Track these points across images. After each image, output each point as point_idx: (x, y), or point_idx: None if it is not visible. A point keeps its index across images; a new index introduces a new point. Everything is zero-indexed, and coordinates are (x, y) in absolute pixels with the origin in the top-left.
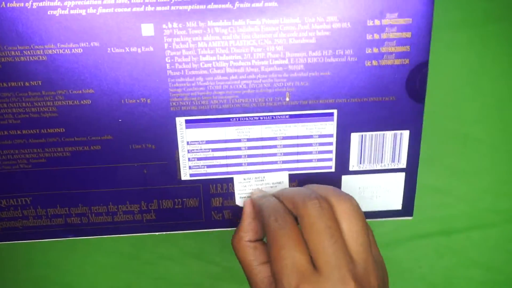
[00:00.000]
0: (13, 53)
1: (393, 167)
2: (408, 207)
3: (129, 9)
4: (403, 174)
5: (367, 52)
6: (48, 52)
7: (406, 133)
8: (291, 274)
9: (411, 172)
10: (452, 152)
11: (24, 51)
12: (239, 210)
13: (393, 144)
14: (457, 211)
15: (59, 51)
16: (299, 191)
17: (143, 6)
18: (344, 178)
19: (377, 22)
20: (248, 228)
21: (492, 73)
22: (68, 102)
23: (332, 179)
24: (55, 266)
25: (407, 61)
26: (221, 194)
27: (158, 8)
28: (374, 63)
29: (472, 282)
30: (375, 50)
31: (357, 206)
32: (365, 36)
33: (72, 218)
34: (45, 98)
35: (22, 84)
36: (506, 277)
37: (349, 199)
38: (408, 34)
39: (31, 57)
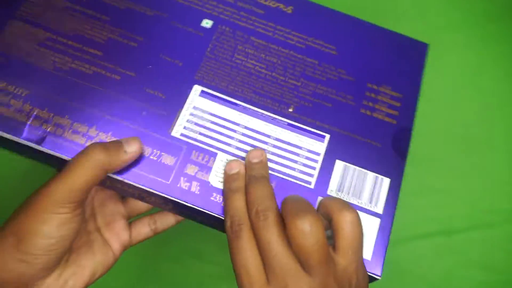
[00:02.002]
0: None
1: (369, 208)
2: (376, 261)
3: (199, 8)
4: (378, 220)
5: (363, 103)
6: (128, 5)
7: (386, 181)
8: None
9: (386, 221)
10: (452, 152)
11: None
12: (207, 189)
13: (373, 185)
14: (457, 211)
15: (138, 8)
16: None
17: (211, 10)
18: (320, 199)
19: (375, 86)
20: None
21: (492, 73)
22: (119, 38)
23: (308, 196)
24: None
25: (394, 121)
26: (199, 164)
27: (222, 16)
28: (368, 112)
29: (472, 282)
30: (370, 104)
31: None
32: (364, 92)
33: (49, 125)
34: (104, 29)
35: (94, 14)
36: (506, 277)
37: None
38: (397, 103)
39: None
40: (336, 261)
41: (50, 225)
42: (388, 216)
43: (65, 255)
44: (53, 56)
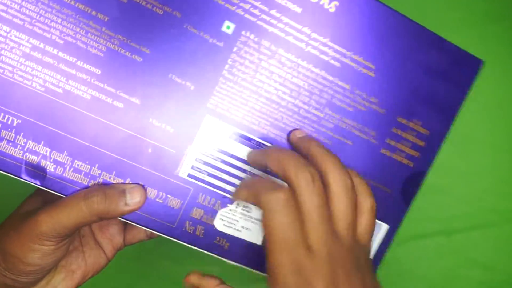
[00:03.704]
0: None
1: None
2: None
3: (222, 2)
4: None
5: (386, 141)
6: None
7: (384, 227)
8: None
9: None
10: (452, 152)
11: None
12: (211, 233)
13: None
14: (457, 211)
15: (144, 2)
16: (292, 157)
17: (235, 6)
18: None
19: (404, 121)
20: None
21: (492, 73)
22: (121, 50)
23: None
24: None
25: (411, 164)
26: (205, 207)
27: (247, 15)
28: (388, 153)
29: (472, 282)
30: (393, 143)
31: (351, 188)
32: (392, 127)
33: (47, 162)
34: (102, 35)
35: (89, 11)
36: (506, 277)
37: (344, 180)
38: (422, 143)
39: None
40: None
41: (33, 255)
42: (375, 262)
43: (50, 271)
44: (43, 73)
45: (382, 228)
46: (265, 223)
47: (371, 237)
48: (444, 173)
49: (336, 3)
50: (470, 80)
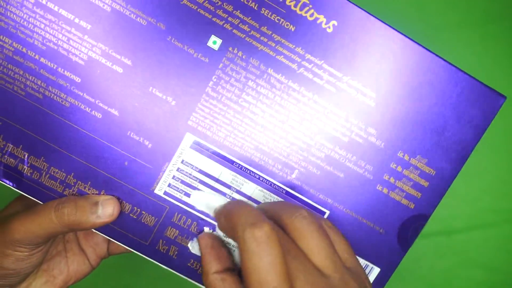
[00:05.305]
0: None
1: None
2: None
3: (210, 16)
4: None
5: (384, 177)
6: (116, 6)
7: (376, 270)
8: None
9: None
10: None
11: None
12: (185, 255)
13: None
14: (457, 211)
15: (128, 12)
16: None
17: (223, 21)
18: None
19: (406, 157)
20: (209, 259)
21: (492, 72)
22: (102, 59)
23: None
24: None
25: (412, 205)
26: (180, 228)
27: (235, 31)
28: (385, 190)
29: (472, 282)
30: (392, 180)
31: (310, 222)
32: (390, 163)
33: (24, 166)
34: (83, 43)
35: (72, 18)
36: (506, 277)
37: (300, 217)
38: (426, 183)
39: (96, 1)
40: None
41: (7, 260)
42: None
43: (28, 276)
44: (24, 78)
45: (373, 272)
46: (242, 264)
47: (355, 258)
48: None
49: (335, 22)
50: (489, 118)
